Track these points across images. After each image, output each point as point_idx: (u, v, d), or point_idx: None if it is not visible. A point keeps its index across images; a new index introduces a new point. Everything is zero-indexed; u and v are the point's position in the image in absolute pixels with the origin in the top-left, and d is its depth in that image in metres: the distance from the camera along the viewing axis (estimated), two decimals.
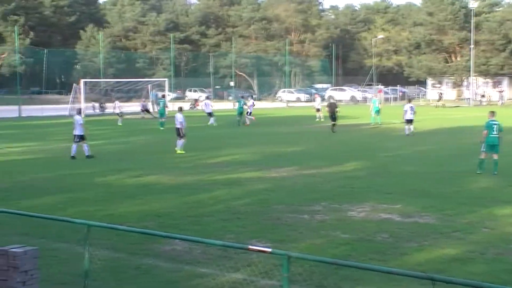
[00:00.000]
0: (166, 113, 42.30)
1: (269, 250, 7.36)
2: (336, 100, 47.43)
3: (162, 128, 38.96)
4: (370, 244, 11.88)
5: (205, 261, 10.66)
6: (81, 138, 24.51)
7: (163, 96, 45.90)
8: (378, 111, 43.42)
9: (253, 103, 45.60)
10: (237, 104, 44.13)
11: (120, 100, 51.80)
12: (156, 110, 60.03)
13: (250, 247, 7.56)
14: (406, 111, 34.78)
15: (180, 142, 26.45)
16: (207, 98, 47.98)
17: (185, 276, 9.94)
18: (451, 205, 15.36)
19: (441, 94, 79.39)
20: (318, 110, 47.21)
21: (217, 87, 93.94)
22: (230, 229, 12.96)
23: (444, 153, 26.58)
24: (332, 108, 37.25)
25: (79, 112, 25.61)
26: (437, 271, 10.07)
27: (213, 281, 9.54)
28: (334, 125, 36.67)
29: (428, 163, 23.25)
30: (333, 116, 36.81)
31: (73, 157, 24.17)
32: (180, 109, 28.21)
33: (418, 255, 11.14)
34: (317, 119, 46.26)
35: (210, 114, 43.81)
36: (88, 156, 24.37)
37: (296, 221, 13.70)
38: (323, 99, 57.90)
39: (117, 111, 45.82)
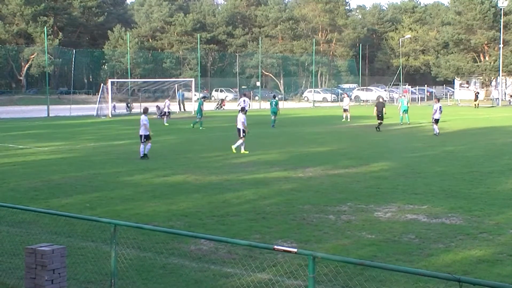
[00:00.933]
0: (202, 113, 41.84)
1: (295, 250, 7.35)
2: (383, 100, 47.15)
3: (202, 128, 38.83)
4: (396, 245, 11.81)
5: (230, 261, 10.68)
6: (147, 138, 24.25)
7: (203, 97, 45.50)
8: (406, 110, 43.31)
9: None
10: (270, 103, 43.42)
11: (158, 100, 52.05)
12: (183, 110, 60.47)
13: (276, 247, 7.56)
14: (435, 110, 34.79)
15: (240, 142, 26.45)
16: (244, 95, 47.70)
17: (211, 276, 9.97)
18: (479, 206, 15.21)
19: (477, 93, 77.56)
20: (345, 110, 47.01)
21: (243, 87, 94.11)
22: (256, 229, 12.97)
23: (473, 153, 26.32)
24: (380, 107, 38.29)
25: (145, 111, 25.37)
26: (464, 272, 9.98)
27: (238, 281, 9.56)
28: (380, 123, 37.84)
29: (456, 163, 23.05)
30: (380, 115, 37.81)
31: (142, 157, 24.03)
32: (243, 110, 27.87)
33: (445, 256, 11.05)
34: (344, 119, 46.11)
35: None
36: (142, 157, 24.06)
37: (322, 222, 13.67)
38: (350, 99, 57.60)
39: (166, 109, 45.50)
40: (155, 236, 11.94)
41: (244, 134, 26.57)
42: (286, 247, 8.88)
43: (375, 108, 38.89)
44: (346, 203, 15.56)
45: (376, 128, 37.61)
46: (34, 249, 8.88)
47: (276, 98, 43.92)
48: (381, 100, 42.51)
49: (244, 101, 43.86)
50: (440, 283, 9.27)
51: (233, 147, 26.51)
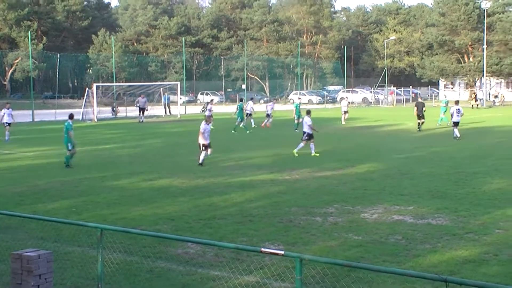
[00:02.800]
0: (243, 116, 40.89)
1: (282, 252, 7.36)
2: (422, 100, 46.80)
3: (249, 132, 38.20)
4: (383, 246, 11.86)
5: (218, 264, 10.68)
6: (205, 146, 23.27)
7: (241, 100, 44.68)
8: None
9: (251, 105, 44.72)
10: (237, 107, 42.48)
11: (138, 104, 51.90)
12: (168, 113, 60.35)
13: (263, 249, 7.58)
14: (452, 113, 34.27)
15: (311, 145, 26.31)
16: (251, 100, 47.32)
17: (198, 279, 9.96)
18: (464, 206, 15.30)
19: (475, 94, 76.29)
20: (345, 112, 46.30)
21: (229, 90, 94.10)
22: (243, 232, 12.98)
23: (459, 154, 26.47)
24: (420, 107, 38.77)
25: (207, 120, 24.35)
26: (450, 272, 10.04)
27: (225, 284, 9.56)
28: (423, 123, 38.36)
29: (442, 164, 23.16)
30: (420, 115, 38.33)
31: (200, 164, 23.13)
32: (308, 113, 27.41)
33: (431, 256, 11.11)
34: (343, 122, 45.25)
35: (249, 115, 42.96)
36: (200, 164, 23.09)
37: (309, 224, 13.70)
38: (336, 102, 57.21)
39: (207, 113, 44.07)
40: (142, 240, 11.91)
41: (308, 137, 26.43)
42: (273, 249, 8.90)
43: (415, 108, 39.19)
44: (333, 205, 15.59)
45: (417, 128, 38.04)
46: (20, 254, 8.83)
47: (241, 102, 42.92)
48: (419, 100, 42.72)
49: (248, 104, 43.97)
50: (427, 283, 9.32)
51: (312, 152, 26.20)
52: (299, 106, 41.68)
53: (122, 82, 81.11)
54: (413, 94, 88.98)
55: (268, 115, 42.83)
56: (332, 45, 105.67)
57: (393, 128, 41.87)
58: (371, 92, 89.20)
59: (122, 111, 60.14)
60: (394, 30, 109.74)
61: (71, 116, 24.61)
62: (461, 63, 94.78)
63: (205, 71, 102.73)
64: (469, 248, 11.62)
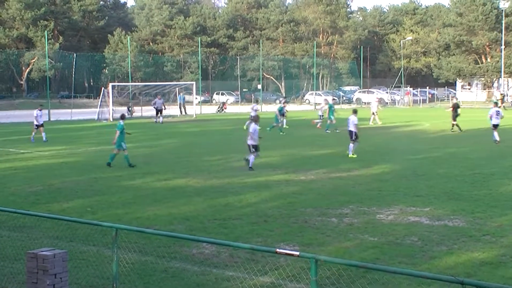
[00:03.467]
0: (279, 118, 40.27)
1: (297, 253, 7.34)
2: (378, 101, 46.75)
3: (338, 131, 37.56)
4: (398, 247, 11.82)
5: (232, 265, 10.68)
6: (255, 148, 22.65)
7: (333, 99, 44.08)
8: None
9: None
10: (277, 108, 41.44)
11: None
12: (184, 113, 60.45)
13: (278, 250, 7.56)
14: (491, 115, 32.59)
15: (352, 146, 26.06)
16: (285, 101, 47.08)
17: (213, 280, 9.97)
18: (481, 208, 15.20)
19: (503, 95, 73.84)
20: (374, 113, 45.72)
21: (244, 90, 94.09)
22: (258, 232, 12.97)
23: (475, 155, 26.31)
24: (456, 108, 38.51)
25: (255, 120, 23.72)
26: (467, 275, 9.97)
27: (240, 284, 9.56)
28: (456, 125, 37.95)
29: (458, 165, 23.03)
30: (456, 116, 38.10)
31: (251, 168, 22.34)
32: (355, 112, 27.12)
33: (448, 258, 11.04)
34: (371, 123, 44.83)
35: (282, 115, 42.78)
36: (250, 168, 22.26)
37: (324, 224, 13.67)
38: (352, 102, 56.56)
39: (253, 113, 43.28)
40: (156, 240, 11.93)
41: (356, 137, 26.26)
42: (288, 250, 8.87)
43: (452, 109, 38.76)
44: (348, 206, 15.56)
45: (455, 128, 37.72)
46: (35, 253, 8.87)
47: (280, 105, 42.22)
48: (455, 100, 42.40)
49: (280, 101, 43.82)
50: (443, 285, 9.26)
51: (349, 153, 26.04)
52: (333, 107, 40.69)
53: (138, 81, 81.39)
54: (430, 95, 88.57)
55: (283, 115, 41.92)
56: (348, 45, 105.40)
57: (409, 128, 41.68)
58: (387, 92, 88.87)
59: (138, 111, 60.34)
60: (411, 31, 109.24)
61: (122, 117, 24.78)
62: (479, 64, 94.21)
63: (220, 71, 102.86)
64: (486, 250, 11.54)
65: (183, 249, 11.68)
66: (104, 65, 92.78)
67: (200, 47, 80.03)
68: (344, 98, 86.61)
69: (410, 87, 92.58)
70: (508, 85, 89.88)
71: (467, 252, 11.44)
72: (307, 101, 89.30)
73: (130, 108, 59.68)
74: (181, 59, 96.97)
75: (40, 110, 34.19)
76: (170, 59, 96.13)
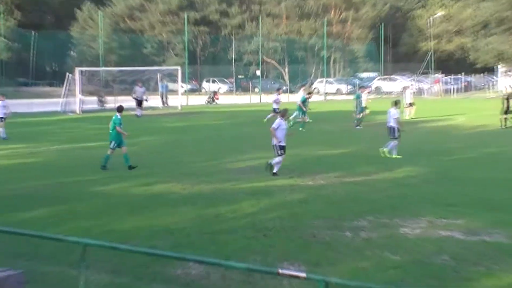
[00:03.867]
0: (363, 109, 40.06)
1: (303, 274, 7.34)
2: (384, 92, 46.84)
3: (302, 129, 37.19)
4: (426, 267, 11.82)
5: None
6: (283, 149, 22.09)
7: (362, 90, 42.74)
8: None
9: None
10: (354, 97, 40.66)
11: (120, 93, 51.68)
12: (166, 104, 60.41)
13: (280, 271, 7.55)
14: None
15: (392, 144, 26.18)
16: (303, 86, 46.75)
17: None
18: None
19: None
20: (410, 104, 45.60)
21: (240, 76, 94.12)
22: (256, 249, 12.97)
23: None
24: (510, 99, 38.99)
25: (282, 114, 22.89)
26: None
27: None
28: (506, 119, 38.55)
29: (500, 168, 23.04)
30: (507, 110, 38.65)
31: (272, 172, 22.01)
32: (396, 104, 27.09)
33: (486, 281, 11.06)
34: (407, 116, 44.44)
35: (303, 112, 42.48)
36: (274, 174, 21.87)
37: (336, 239, 13.68)
38: (370, 91, 56.16)
39: (275, 105, 43.03)
40: (133, 258, 11.91)
41: (398, 134, 26.38)
42: (293, 271, 8.87)
43: (505, 101, 39.01)
44: (365, 217, 15.56)
45: (502, 125, 38.15)
46: None
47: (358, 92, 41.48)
48: (510, 90, 42.41)
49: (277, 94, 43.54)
50: None
51: (385, 150, 26.27)
52: (360, 97, 40.32)
53: (111, 66, 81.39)
54: (465, 83, 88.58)
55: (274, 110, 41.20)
56: (365, 24, 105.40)
57: (439, 124, 41.72)
58: (412, 80, 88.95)
59: (111, 102, 60.32)
60: (442, 5, 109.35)
61: (119, 109, 24.64)
62: None
63: (211, 54, 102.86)
64: None
65: (166, 269, 11.66)
66: (71, 46, 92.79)
67: (187, 25, 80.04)
68: (360, 87, 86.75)
69: (440, 73, 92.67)
70: None
71: (510, 274, 11.44)
72: (315, 90, 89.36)
73: (101, 98, 59.68)
74: (164, 39, 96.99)
75: (3, 101, 34.26)
76: (151, 40, 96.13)
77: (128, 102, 53.18)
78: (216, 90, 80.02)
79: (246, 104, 64.97)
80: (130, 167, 23.11)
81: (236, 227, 14.73)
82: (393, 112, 26.64)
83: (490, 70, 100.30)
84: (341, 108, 57.70)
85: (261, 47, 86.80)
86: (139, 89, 51.33)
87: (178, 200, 17.88)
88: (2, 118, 33.75)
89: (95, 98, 60.20)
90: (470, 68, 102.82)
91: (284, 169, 22.71)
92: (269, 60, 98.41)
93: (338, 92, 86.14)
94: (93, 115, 51.14)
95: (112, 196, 18.49)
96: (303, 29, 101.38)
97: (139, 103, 50.01)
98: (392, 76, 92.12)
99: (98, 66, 74.66)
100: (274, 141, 22.05)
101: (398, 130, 26.39)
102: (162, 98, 61.39)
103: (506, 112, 38.46)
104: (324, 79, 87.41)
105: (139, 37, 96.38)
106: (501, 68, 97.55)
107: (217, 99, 69.05)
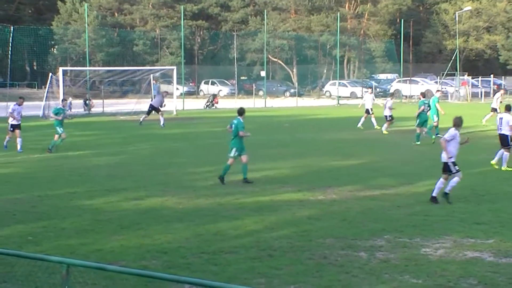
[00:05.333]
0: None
1: None
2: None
3: (418, 143, 35.40)
4: None
5: None
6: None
7: (424, 96, 40.27)
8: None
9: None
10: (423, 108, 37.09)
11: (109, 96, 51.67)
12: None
13: None
14: None
15: (506, 154, 25.90)
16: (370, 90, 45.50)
17: None
18: None
19: None
20: (494, 110, 44.47)
21: (243, 78, 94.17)
22: (260, 271, 13.00)
23: None
24: None
25: (455, 124, 20.95)
26: None
27: None
28: None
29: None
30: None
31: None
32: (509, 109, 26.52)
33: None
34: (484, 122, 43.79)
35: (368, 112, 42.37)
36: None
37: (350, 261, 13.69)
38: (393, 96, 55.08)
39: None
40: (123, 280, 11.95)
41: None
42: None
43: None
44: (382, 236, 15.58)
45: None
46: None
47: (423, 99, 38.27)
48: None
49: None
50: None
51: (503, 166, 26.02)
52: (437, 101, 38.47)
53: (98, 65, 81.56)
54: (495, 86, 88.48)
55: None
56: (384, 19, 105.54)
57: (466, 131, 41.63)
58: (436, 82, 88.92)
59: (98, 105, 60.45)
60: None
61: (241, 112, 24.25)
62: None
63: (210, 52, 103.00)
64: None
65: None
66: (53, 42, 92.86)
67: (184, 20, 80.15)
68: (378, 89, 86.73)
69: (468, 75, 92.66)
70: None
71: None
72: (327, 94, 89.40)
73: (87, 102, 59.77)
74: (158, 35, 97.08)
75: (21, 106, 33.67)
76: (143, 36, 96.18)
77: (118, 106, 53.40)
78: (215, 93, 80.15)
79: (249, 109, 64.85)
80: (246, 181, 22.89)
81: (238, 246, 14.75)
82: (507, 118, 25.99)
83: None
84: (356, 114, 57.70)
85: (267, 45, 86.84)
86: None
87: (172, 216, 17.90)
88: (17, 125, 32.81)
89: (80, 102, 60.32)
90: (501, 69, 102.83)
91: (292, 182, 22.73)
92: (275, 59, 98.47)
93: (353, 95, 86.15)
94: (78, 120, 51.11)
95: (99, 211, 18.51)
96: (314, 24, 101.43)
97: (154, 109, 47.88)
98: (413, 78, 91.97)
99: (83, 65, 74.80)
100: (444, 157, 20.04)
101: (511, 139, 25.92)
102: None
103: None
104: (337, 81, 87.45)
105: (129, 33, 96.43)
106: None
107: (217, 103, 69.10)
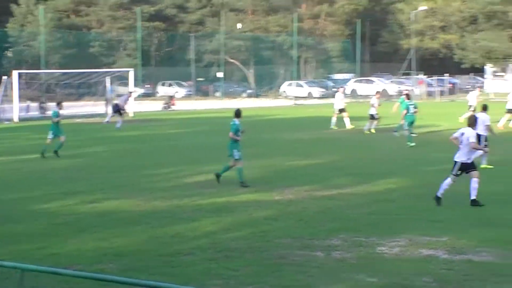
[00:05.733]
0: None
1: None
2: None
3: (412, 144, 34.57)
4: None
5: None
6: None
7: (409, 98, 39.39)
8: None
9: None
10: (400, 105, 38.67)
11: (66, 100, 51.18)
12: (111, 112, 60.02)
13: None
14: None
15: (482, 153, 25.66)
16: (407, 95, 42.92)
17: None
18: None
19: None
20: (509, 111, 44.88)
21: (200, 79, 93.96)
22: (217, 272, 13.00)
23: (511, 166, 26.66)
24: None
25: (469, 123, 20.30)
26: None
27: None
28: None
29: (492, 180, 23.17)
30: None
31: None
32: (485, 108, 26.57)
33: None
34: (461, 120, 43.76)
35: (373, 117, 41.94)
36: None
37: (307, 260, 13.74)
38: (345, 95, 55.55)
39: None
40: (79, 284, 11.88)
41: (486, 142, 25.93)
42: None
43: None
44: (339, 235, 15.64)
45: None
46: None
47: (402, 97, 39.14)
48: None
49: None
50: None
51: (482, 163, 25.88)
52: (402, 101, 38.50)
53: (54, 68, 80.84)
54: (450, 85, 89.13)
55: None
56: (341, 19, 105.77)
57: (422, 130, 41.96)
58: (393, 82, 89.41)
59: (53, 108, 59.88)
60: None
61: (238, 114, 23.50)
62: None
63: (167, 54, 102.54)
64: None
65: None
66: (7, 45, 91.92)
67: (140, 21, 79.82)
68: (334, 89, 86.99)
69: (424, 74, 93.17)
70: None
71: None
72: (283, 94, 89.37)
73: (43, 105, 59.22)
74: (114, 37, 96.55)
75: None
76: (99, 37, 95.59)
77: (74, 108, 52.97)
78: (172, 94, 79.84)
79: (206, 110, 64.90)
80: (243, 184, 22.52)
81: (195, 248, 14.75)
82: (483, 117, 25.66)
83: (478, 70, 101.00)
84: (314, 114, 57.90)
85: (224, 46, 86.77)
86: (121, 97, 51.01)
87: (129, 218, 17.84)
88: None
89: (35, 105, 59.77)
90: (456, 68, 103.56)
91: (250, 183, 22.72)
92: (232, 60, 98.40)
93: (310, 96, 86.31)
94: (33, 123, 50.79)
95: (55, 214, 18.38)
96: (271, 25, 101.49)
97: (118, 111, 47.52)
98: (369, 78, 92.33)
99: (38, 68, 74.16)
100: (461, 158, 19.54)
101: (486, 139, 25.98)
102: (107, 104, 60.70)
103: None
104: (294, 82, 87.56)
105: (85, 35, 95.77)
106: (490, 68, 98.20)
107: (174, 104, 68.89)
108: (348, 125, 43.40)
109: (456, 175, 19.33)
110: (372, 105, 40.99)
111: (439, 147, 33.32)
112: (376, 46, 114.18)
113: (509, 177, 24.26)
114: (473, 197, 19.07)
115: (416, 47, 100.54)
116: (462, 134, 19.44)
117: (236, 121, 22.97)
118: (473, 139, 19.31)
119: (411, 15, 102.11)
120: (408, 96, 38.23)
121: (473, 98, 46.52)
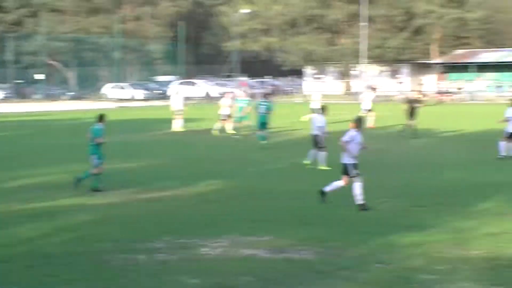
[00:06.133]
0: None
1: None
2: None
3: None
4: None
5: None
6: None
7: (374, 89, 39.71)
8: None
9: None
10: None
11: None
12: None
13: None
14: (510, 118, 28.32)
15: (320, 154, 25.74)
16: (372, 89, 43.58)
17: None
18: (336, 234, 15.81)
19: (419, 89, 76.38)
20: (368, 111, 45.55)
21: (19, 81, 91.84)
22: (37, 279, 12.72)
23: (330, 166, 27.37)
24: (412, 105, 39.51)
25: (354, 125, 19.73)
26: None
27: None
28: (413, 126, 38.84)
29: (312, 180, 23.65)
30: (411, 115, 39.11)
31: None
32: (323, 110, 26.53)
33: None
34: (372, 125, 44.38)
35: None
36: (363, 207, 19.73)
37: (129, 264, 13.64)
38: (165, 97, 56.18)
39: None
40: None
41: (322, 143, 25.93)
42: None
43: (407, 105, 39.66)
44: (162, 238, 15.60)
45: (404, 132, 38.66)
46: None
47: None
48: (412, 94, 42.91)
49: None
50: None
51: (308, 162, 26.05)
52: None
53: None
54: (272, 87, 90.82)
55: None
56: (164, 21, 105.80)
57: (247, 132, 42.46)
58: (216, 84, 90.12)
59: None
60: (249, 1, 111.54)
61: (102, 118, 23.01)
62: (334, 45, 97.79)
63: None
64: None
65: None
66: None
67: None
68: (157, 92, 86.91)
69: (247, 76, 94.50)
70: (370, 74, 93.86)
71: None
72: (105, 96, 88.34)
73: None
74: None
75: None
76: None
77: None
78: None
79: (27, 113, 63.40)
80: (95, 189, 21.90)
81: (13, 255, 14.35)
82: (318, 119, 26.35)
83: (298, 73, 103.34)
84: (136, 116, 57.68)
85: (43, 48, 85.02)
86: None
87: None
88: None
89: None
90: (277, 70, 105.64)
91: (70, 187, 22.32)
92: (53, 62, 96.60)
93: (133, 98, 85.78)
94: None
95: None
96: (93, 26, 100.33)
97: None
98: (190, 80, 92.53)
99: None
100: (347, 159, 19.19)
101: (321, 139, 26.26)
102: None
103: (410, 117, 39.14)
104: (116, 84, 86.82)
105: None
106: (309, 70, 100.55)
107: None
108: (229, 130, 42.47)
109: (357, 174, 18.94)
110: (224, 105, 41.39)
111: (258, 149, 33.76)
112: (200, 48, 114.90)
113: (315, 174, 24.89)
114: (326, 190, 19.47)
115: (238, 50, 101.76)
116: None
117: (99, 125, 22.73)
118: (346, 138, 19.05)
119: (233, 17, 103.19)
120: (265, 96, 39.07)
121: (367, 100, 47.72)
